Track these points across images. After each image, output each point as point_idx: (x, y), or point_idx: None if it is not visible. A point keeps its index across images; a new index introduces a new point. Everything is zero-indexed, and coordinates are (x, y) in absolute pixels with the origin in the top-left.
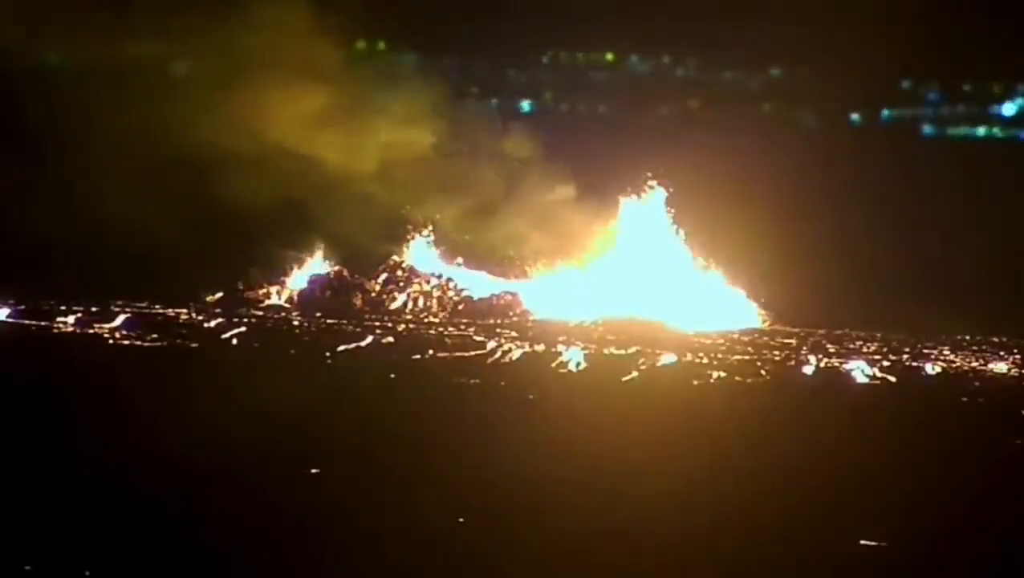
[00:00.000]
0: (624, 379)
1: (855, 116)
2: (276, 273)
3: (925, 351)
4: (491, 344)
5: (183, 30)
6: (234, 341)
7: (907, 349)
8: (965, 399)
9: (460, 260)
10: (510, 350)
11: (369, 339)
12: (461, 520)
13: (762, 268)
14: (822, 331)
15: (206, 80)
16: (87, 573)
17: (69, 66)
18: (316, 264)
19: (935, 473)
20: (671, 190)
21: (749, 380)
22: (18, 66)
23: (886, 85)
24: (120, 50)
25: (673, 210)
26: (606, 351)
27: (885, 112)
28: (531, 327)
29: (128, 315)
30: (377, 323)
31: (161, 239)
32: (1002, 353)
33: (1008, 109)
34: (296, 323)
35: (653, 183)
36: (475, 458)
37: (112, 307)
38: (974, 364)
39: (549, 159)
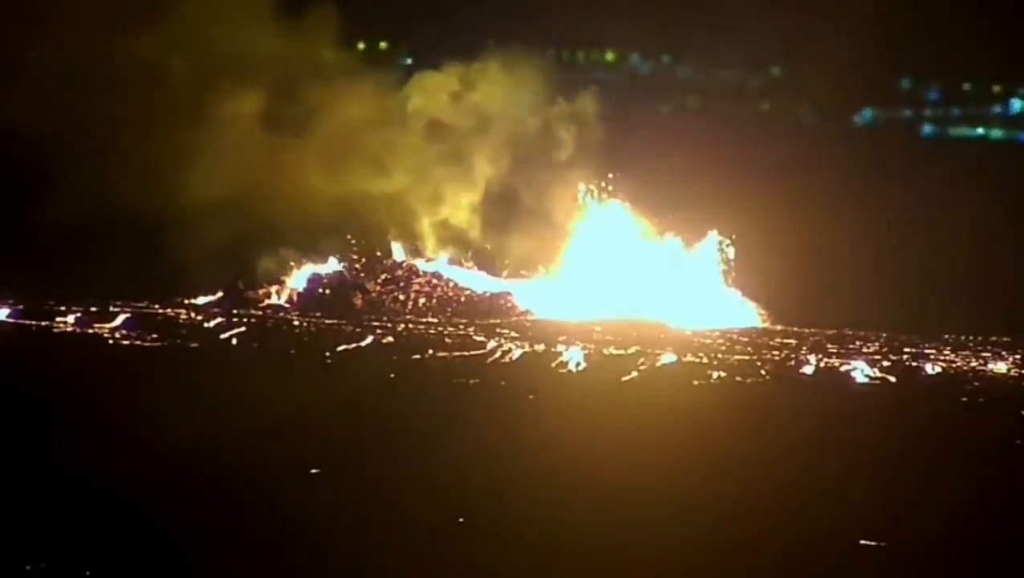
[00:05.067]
0: (624, 379)
1: (856, 116)
2: (278, 271)
3: (925, 351)
4: (491, 344)
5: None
6: (234, 341)
7: (907, 349)
8: (965, 399)
9: (459, 260)
10: (510, 350)
11: (369, 339)
12: (461, 520)
13: (762, 268)
14: (822, 331)
15: (209, 78)
16: (87, 573)
17: (69, 65)
18: (316, 264)
19: (935, 473)
20: (671, 190)
21: (749, 380)
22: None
23: (886, 85)
24: (119, 47)
25: (673, 210)
26: (606, 351)
27: (884, 112)
28: (531, 327)
29: (128, 315)
30: (377, 323)
31: (161, 238)
32: (1002, 353)
33: (1009, 109)
34: (296, 323)
35: (652, 184)
36: (475, 458)
37: (112, 307)
38: (974, 364)
39: (548, 159)
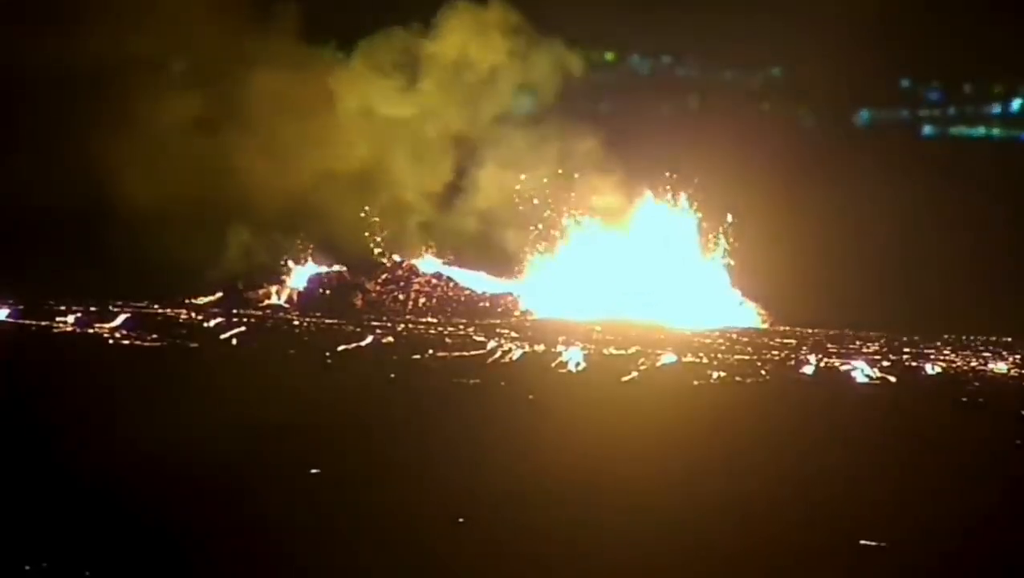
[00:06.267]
0: (624, 379)
1: (855, 116)
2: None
3: (925, 351)
4: (491, 344)
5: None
6: (234, 341)
7: (907, 349)
8: (965, 399)
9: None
10: (510, 350)
11: (369, 339)
12: (461, 520)
13: (762, 268)
14: (822, 331)
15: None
16: (87, 573)
17: (66, 65)
18: (316, 264)
19: (935, 473)
20: (671, 190)
21: (749, 380)
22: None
23: (886, 85)
24: (116, 47)
25: (673, 210)
26: (606, 351)
27: (884, 112)
28: (531, 327)
29: (128, 315)
30: (377, 323)
31: (161, 238)
32: (1002, 353)
33: (1010, 109)
34: (296, 323)
35: (653, 182)
36: (475, 458)
37: (112, 307)
38: (974, 364)
39: (547, 156)
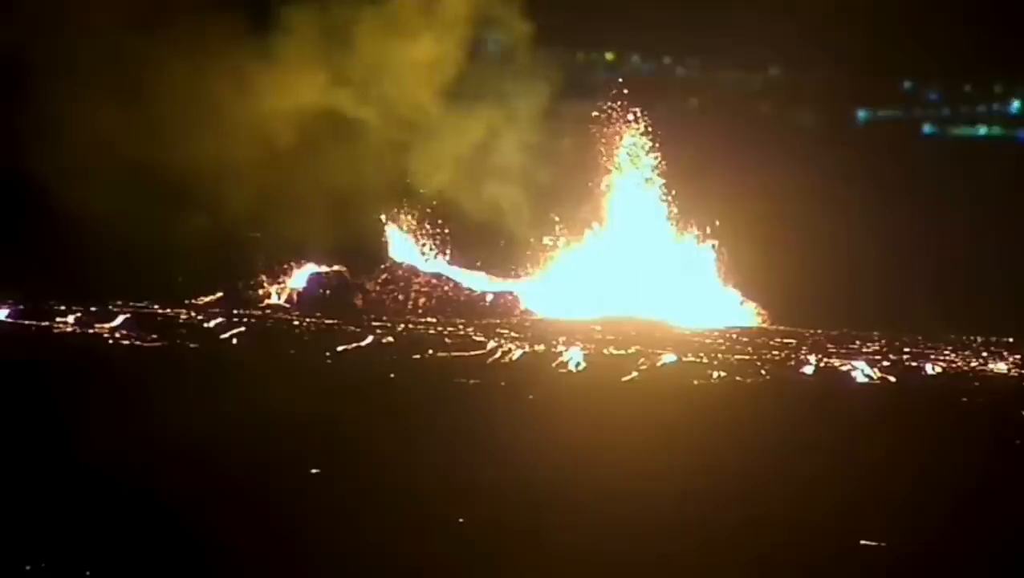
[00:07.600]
0: (624, 379)
1: (854, 115)
2: (277, 270)
3: (925, 351)
4: (491, 344)
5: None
6: (234, 341)
7: (907, 349)
8: (965, 399)
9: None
10: (510, 350)
11: (369, 339)
12: (461, 520)
13: (762, 267)
14: (822, 331)
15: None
16: (87, 573)
17: (60, 62)
18: (316, 264)
19: (935, 473)
20: (670, 189)
21: (749, 380)
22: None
23: (886, 85)
24: (109, 47)
25: (672, 209)
26: (606, 351)
27: (882, 112)
28: (531, 327)
29: (128, 315)
30: (377, 323)
31: (161, 238)
32: (1002, 353)
33: (1010, 108)
34: (296, 323)
35: (652, 181)
36: (475, 458)
37: (112, 307)
38: (974, 364)
39: (547, 156)
